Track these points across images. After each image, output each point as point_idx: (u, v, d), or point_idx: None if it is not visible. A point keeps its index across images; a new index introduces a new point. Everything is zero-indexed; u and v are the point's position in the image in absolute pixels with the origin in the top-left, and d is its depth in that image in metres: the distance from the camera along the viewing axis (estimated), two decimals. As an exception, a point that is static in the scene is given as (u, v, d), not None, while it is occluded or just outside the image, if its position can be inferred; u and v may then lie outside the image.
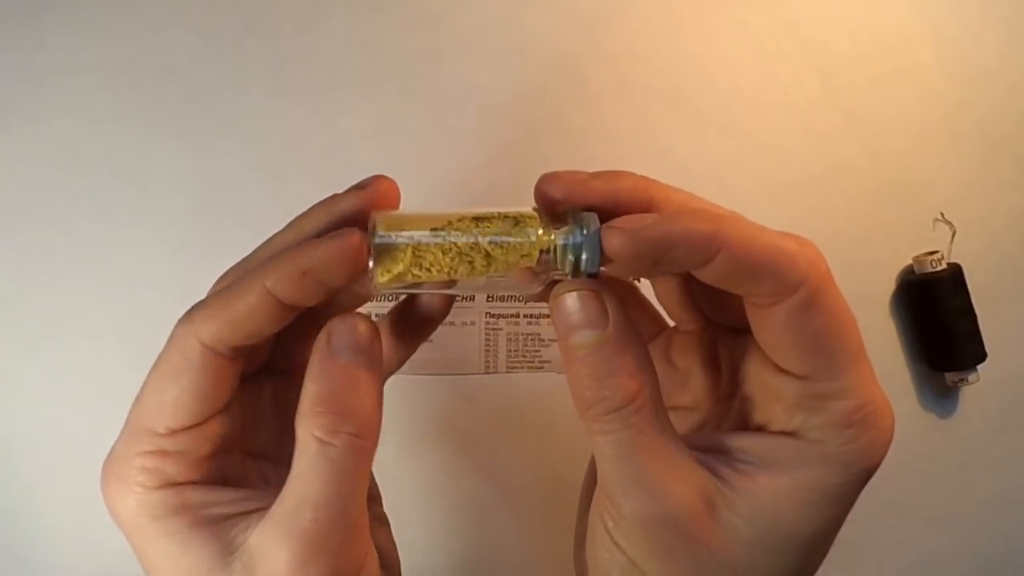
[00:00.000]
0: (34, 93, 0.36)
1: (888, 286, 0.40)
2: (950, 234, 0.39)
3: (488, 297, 0.37)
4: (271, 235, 0.25)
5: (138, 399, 0.24)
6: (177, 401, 0.24)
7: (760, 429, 0.24)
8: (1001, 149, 0.40)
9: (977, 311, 0.38)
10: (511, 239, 0.22)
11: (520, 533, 0.38)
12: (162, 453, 0.24)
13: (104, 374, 0.36)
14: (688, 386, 0.27)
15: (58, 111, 0.36)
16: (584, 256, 0.22)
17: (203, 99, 0.37)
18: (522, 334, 0.38)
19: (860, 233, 0.39)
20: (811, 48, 0.39)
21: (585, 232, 0.22)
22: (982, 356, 0.38)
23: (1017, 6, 0.41)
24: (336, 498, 0.22)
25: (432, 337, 0.36)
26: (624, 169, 0.26)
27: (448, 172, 0.38)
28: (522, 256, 0.22)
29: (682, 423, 0.26)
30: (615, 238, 0.22)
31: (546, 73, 0.38)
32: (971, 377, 0.38)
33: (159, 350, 0.36)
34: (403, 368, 0.36)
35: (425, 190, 0.37)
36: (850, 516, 0.24)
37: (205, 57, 0.37)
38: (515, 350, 0.37)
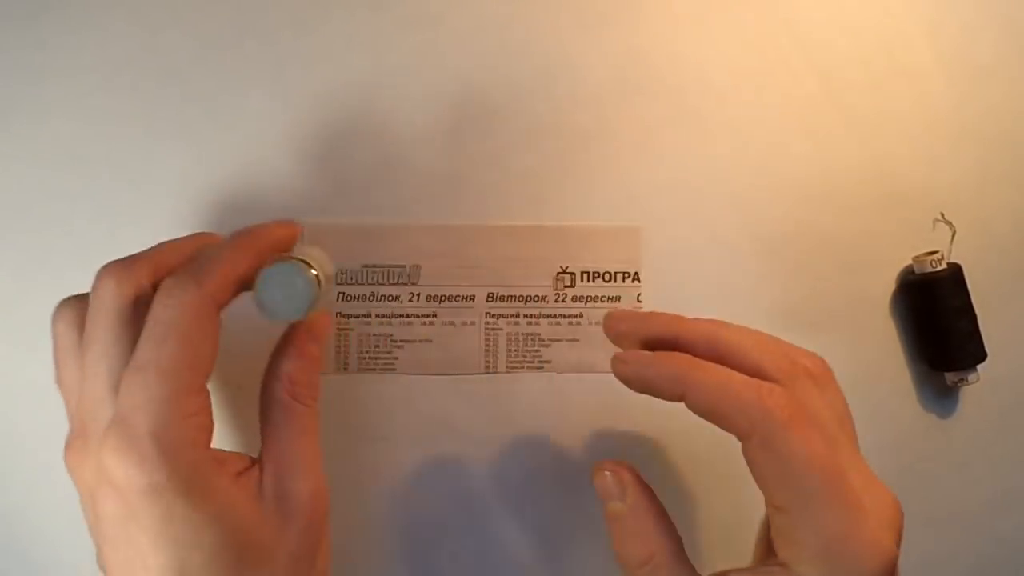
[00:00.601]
0: (33, 93, 0.36)
1: (888, 286, 0.40)
2: (950, 234, 0.39)
3: (488, 297, 0.37)
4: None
5: (161, 368, 0.26)
6: (209, 357, 0.27)
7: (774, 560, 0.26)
8: (1001, 148, 0.40)
9: (977, 311, 0.38)
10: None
11: (520, 532, 0.38)
12: (208, 411, 0.27)
13: (104, 374, 0.36)
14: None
15: (58, 111, 0.36)
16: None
17: (203, 100, 0.37)
18: (522, 334, 0.38)
19: (859, 233, 0.39)
20: (810, 48, 0.39)
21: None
22: (982, 356, 0.38)
23: (1016, 5, 0.41)
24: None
25: (432, 337, 0.36)
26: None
27: (447, 172, 0.38)
28: None
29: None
30: (616, 367, 0.29)
31: (546, 72, 0.38)
32: (971, 377, 0.38)
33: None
34: (403, 369, 0.36)
35: (424, 189, 0.37)
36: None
37: (205, 58, 0.37)
38: (515, 350, 0.38)
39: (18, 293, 0.36)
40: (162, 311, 0.26)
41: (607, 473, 0.29)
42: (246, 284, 0.28)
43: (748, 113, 0.39)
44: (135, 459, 0.24)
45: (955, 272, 0.38)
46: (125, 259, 0.28)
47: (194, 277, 0.27)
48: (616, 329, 0.31)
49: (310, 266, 0.29)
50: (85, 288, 0.36)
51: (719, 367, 0.27)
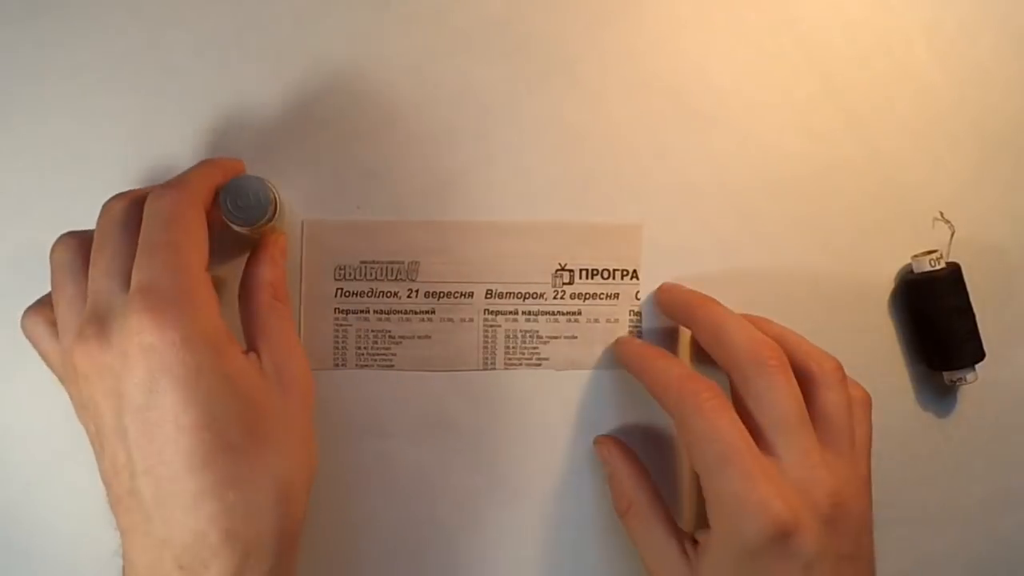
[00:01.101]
0: (33, 91, 0.36)
1: (887, 285, 0.40)
2: (949, 233, 0.39)
3: (486, 294, 0.37)
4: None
5: (171, 243, 0.29)
6: (205, 241, 0.30)
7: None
8: (1000, 148, 0.40)
9: (976, 311, 0.38)
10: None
11: (519, 532, 0.38)
12: (212, 288, 0.30)
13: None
14: None
15: (57, 109, 0.36)
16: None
17: (203, 98, 0.37)
18: (520, 331, 0.38)
19: (859, 232, 0.39)
20: (811, 47, 0.39)
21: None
22: (980, 355, 0.38)
23: (1015, 5, 0.41)
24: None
25: (430, 334, 0.36)
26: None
27: (447, 170, 0.38)
28: None
29: None
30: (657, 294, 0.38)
31: (546, 71, 0.38)
32: (969, 376, 0.38)
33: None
34: (401, 365, 0.36)
35: (423, 188, 0.38)
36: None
37: (204, 56, 0.37)
38: (513, 347, 0.38)
39: (18, 291, 0.36)
40: (157, 206, 0.29)
41: (601, 444, 0.37)
42: (216, 191, 0.32)
43: (748, 112, 0.39)
44: (168, 315, 0.27)
45: (954, 271, 0.38)
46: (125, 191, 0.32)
47: (177, 182, 0.31)
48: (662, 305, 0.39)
49: (266, 182, 0.33)
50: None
51: (670, 360, 0.35)
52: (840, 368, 0.33)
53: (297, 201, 0.37)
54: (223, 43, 0.37)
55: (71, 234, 0.32)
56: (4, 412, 0.36)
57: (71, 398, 0.30)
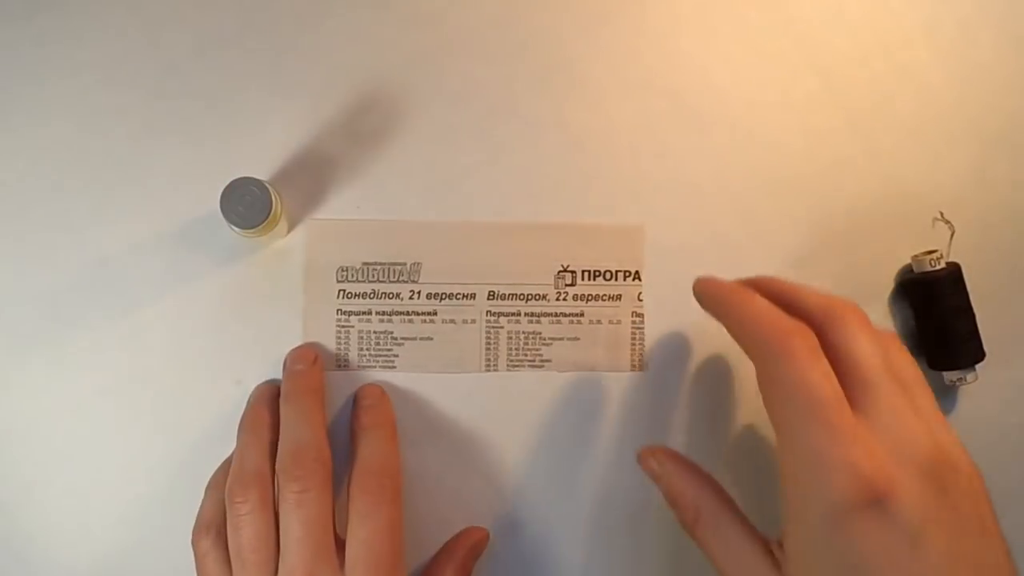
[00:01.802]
0: (33, 91, 0.36)
1: (887, 285, 0.40)
2: (949, 233, 0.39)
3: (488, 295, 0.37)
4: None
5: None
6: None
7: None
8: (1000, 147, 0.40)
9: (976, 311, 0.38)
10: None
11: (518, 530, 0.38)
12: None
13: (103, 370, 0.36)
14: None
15: (58, 109, 0.36)
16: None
17: (203, 97, 0.37)
18: (523, 332, 0.38)
19: (859, 232, 0.39)
20: (811, 47, 0.39)
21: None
22: (981, 356, 0.38)
23: (1015, 5, 0.41)
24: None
25: (432, 335, 0.36)
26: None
27: (447, 170, 0.38)
28: None
29: None
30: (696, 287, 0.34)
31: (546, 71, 0.38)
32: (969, 376, 0.38)
33: (156, 345, 0.37)
34: (403, 366, 0.36)
35: (423, 188, 0.38)
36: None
37: (204, 55, 0.37)
38: (516, 349, 0.38)
39: (17, 289, 0.36)
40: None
41: (647, 457, 0.34)
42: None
43: (748, 112, 0.39)
44: None
45: (954, 271, 0.38)
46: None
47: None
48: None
49: (266, 184, 0.33)
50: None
51: (755, 298, 0.30)
52: (895, 334, 0.31)
53: (297, 201, 0.37)
54: (223, 42, 0.37)
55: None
56: (4, 412, 0.36)
57: None
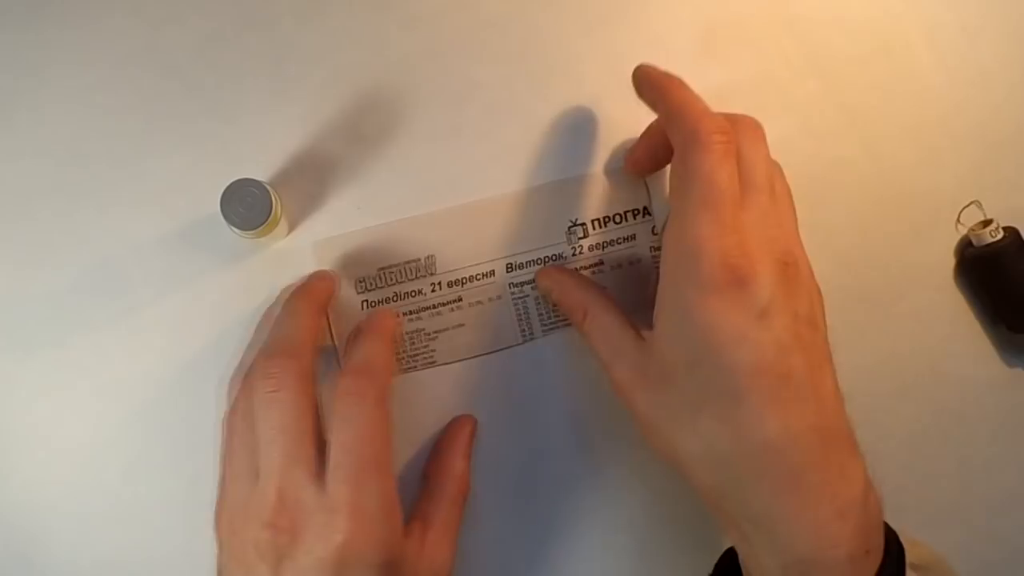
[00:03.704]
0: (34, 89, 0.36)
1: (886, 285, 0.40)
2: (949, 234, 0.39)
3: (507, 268, 0.37)
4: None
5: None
6: None
7: None
8: (1001, 148, 0.40)
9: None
10: None
11: (518, 532, 0.38)
12: None
13: (103, 370, 0.36)
14: None
15: (58, 107, 0.36)
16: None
17: (203, 95, 0.37)
18: None
19: (859, 232, 0.40)
20: (811, 47, 0.39)
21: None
22: None
23: (1016, 6, 0.41)
24: None
25: (463, 321, 0.36)
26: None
27: (448, 170, 0.38)
28: None
29: None
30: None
31: (546, 71, 0.38)
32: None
33: (157, 346, 0.37)
34: (443, 359, 0.36)
35: (424, 187, 0.38)
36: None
37: (205, 54, 0.37)
38: (546, 311, 0.37)
39: (17, 289, 0.36)
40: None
41: (542, 277, 0.37)
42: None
43: (748, 112, 0.39)
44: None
45: (1016, 237, 0.38)
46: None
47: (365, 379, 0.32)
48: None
49: (265, 186, 0.33)
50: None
51: (690, 91, 0.32)
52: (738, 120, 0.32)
53: (297, 203, 0.37)
54: (223, 41, 0.37)
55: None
56: (4, 412, 0.36)
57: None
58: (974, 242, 0.39)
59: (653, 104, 0.33)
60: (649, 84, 0.33)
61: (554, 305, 0.36)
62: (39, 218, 0.36)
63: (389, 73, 0.38)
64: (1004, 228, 0.38)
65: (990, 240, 0.38)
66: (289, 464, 0.30)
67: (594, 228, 0.38)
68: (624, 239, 0.38)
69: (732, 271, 0.28)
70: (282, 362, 0.31)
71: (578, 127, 0.38)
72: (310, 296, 0.35)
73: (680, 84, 0.32)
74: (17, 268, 0.36)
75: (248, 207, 0.32)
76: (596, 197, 0.38)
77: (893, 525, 0.32)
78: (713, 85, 0.39)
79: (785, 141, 0.39)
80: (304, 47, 0.37)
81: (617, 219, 0.38)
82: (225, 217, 0.32)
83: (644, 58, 0.38)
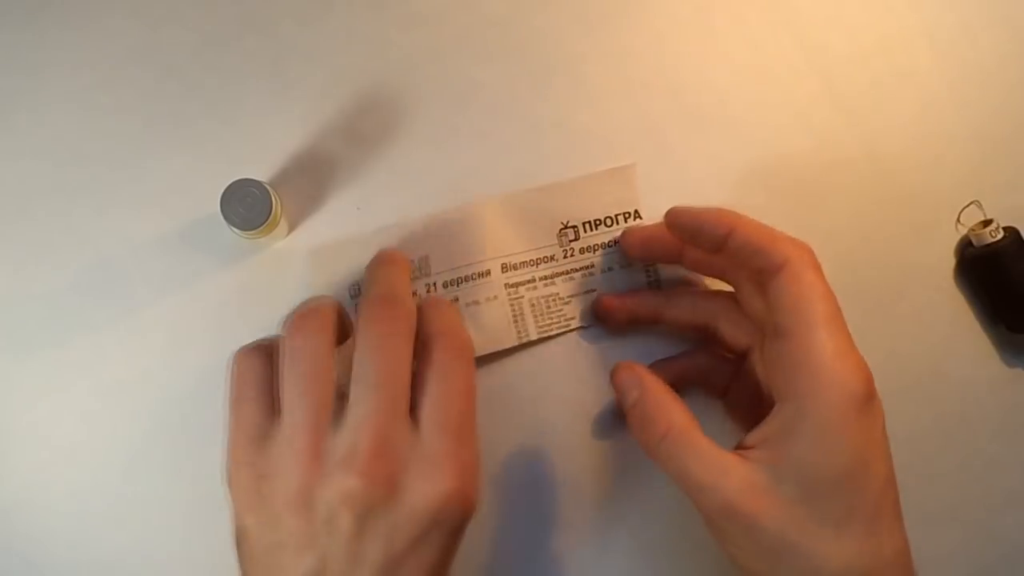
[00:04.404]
0: (34, 89, 0.36)
1: (886, 285, 0.40)
2: (949, 234, 0.39)
3: (502, 268, 0.37)
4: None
5: None
6: None
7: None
8: (1001, 148, 0.40)
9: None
10: None
11: (518, 531, 0.38)
12: None
13: (103, 370, 0.36)
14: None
15: (58, 107, 0.36)
16: None
17: (203, 95, 0.37)
18: (542, 297, 0.37)
19: (859, 232, 0.39)
20: (811, 48, 0.39)
21: None
22: None
23: (1016, 6, 0.41)
24: None
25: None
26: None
27: (448, 170, 0.38)
28: None
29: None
30: (669, 215, 0.34)
31: (546, 71, 0.38)
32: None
33: (156, 346, 0.37)
34: None
35: (424, 188, 0.38)
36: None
37: (204, 54, 0.37)
38: (540, 314, 0.37)
39: (19, 289, 0.36)
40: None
41: (618, 372, 0.34)
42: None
43: (748, 112, 0.39)
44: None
45: (1016, 237, 0.38)
46: None
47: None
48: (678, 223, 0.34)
49: (265, 186, 0.33)
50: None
51: (747, 217, 0.32)
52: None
53: (297, 203, 0.37)
54: (223, 41, 0.37)
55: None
56: (4, 412, 0.36)
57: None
58: (974, 242, 0.39)
59: (710, 238, 0.32)
60: (697, 221, 0.33)
61: (629, 407, 0.33)
62: (39, 218, 0.36)
63: (389, 73, 0.38)
64: (1004, 228, 0.38)
65: (990, 240, 0.38)
66: (387, 410, 0.28)
67: (585, 230, 0.38)
68: (615, 242, 0.38)
69: (870, 385, 0.29)
70: (388, 311, 0.30)
71: (577, 127, 0.38)
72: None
73: (735, 213, 0.32)
74: (17, 268, 0.36)
75: (248, 207, 0.32)
76: (588, 198, 0.38)
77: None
78: (713, 86, 0.39)
79: (785, 141, 0.39)
80: (304, 48, 0.37)
81: (608, 221, 0.38)
82: (225, 217, 0.32)
83: (644, 58, 0.39)
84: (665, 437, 0.31)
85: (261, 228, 0.33)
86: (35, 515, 0.36)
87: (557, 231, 0.38)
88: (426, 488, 0.28)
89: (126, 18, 0.37)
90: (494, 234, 0.37)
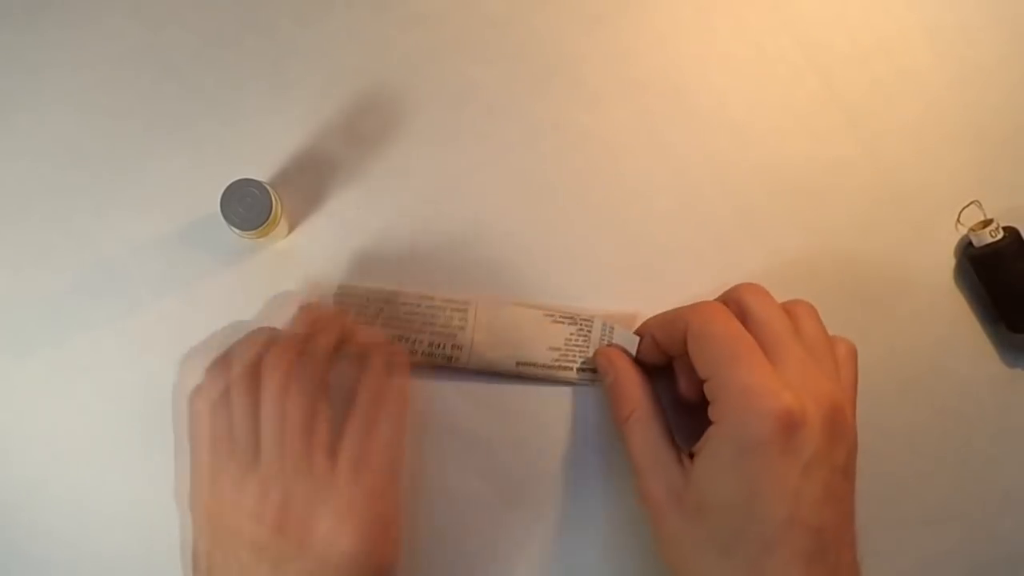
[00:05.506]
0: (34, 90, 0.36)
1: (886, 285, 0.40)
2: (949, 234, 0.39)
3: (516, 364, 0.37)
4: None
5: None
6: None
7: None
8: (1001, 148, 0.40)
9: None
10: None
11: (516, 531, 0.38)
12: None
13: (102, 370, 0.36)
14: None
15: (58, 108, 0.36)
16: None
17: (202, 96, 0.37)
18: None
19: (859, 232, 0.39)
20: (811, 48, 0.39)
21: None
22: None
23: (1016, 6, 0.41)
24: None
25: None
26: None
27: (448, 170, 0.38)
28: None
29: None
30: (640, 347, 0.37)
31: (546, 71, 0.38)
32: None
33: (157, 346, 0.37)
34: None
35: (424, 188, 0.38)
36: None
37: (204, 55, 0.37)
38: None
39: (19, 289, 0.36)
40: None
41: (600, 356, 0.37)
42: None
43: (748, 112, 0.39)
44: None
45: (1016, 236, 0.38)
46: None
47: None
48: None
49: (265, 186, 0.33)
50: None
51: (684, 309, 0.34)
52: (813, 307, 0.33)
53: (297, 203, 0.37)
54: (223, 42, 0.37)
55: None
56: (4, 412, 0.36)
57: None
58: (974, 242, 0.39)
59: (665, 342, 0.35)
60: (657, 330, 0.35)
61: (606, 388, 0.36)
62: (39, 219, 0.36)
63: (389, 73, 0.38)
64: (1004, 228, 0.38)
65: (990, 240, 0.38)
66: (299, 460, 0.29)
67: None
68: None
69: (787, 414, 0.29)
70: (293, 357, 0.31)
71: (577, 128, 0.38)
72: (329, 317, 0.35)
73: (649, 320, 0.36)
74: (17, 269, 0.36)
75: (248, 207, 0.32)
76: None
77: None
78: (713, 85, 0.39)
79: (785, 141, 0.39)
80: (304, 48, 0.37)
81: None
82: (225, 217, 0.32)
83: (644, 57, 0.39)
84: (628, 419, 0.34)
85: (261, 228, 0.33)
86: (35, 515, 0.36)
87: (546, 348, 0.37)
88: (337, 540, 0.29)
89: (126, 19, 0.37)
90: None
